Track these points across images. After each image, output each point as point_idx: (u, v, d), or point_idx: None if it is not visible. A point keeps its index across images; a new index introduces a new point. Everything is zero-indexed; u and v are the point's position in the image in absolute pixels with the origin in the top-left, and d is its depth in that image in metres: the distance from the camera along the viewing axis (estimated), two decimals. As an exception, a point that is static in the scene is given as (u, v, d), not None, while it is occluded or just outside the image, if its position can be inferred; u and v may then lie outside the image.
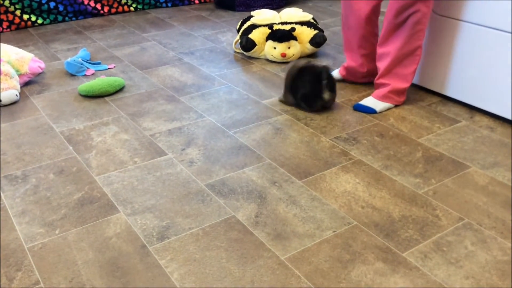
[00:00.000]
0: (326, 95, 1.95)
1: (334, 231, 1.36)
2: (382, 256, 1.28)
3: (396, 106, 2.06)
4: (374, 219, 1.41)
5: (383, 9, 3.09)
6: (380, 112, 2.01)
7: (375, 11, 2.06)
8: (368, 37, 2.11)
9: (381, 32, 1.99)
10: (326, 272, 1.23)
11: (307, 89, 1.96)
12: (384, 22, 1.97)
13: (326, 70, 1.94)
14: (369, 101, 2.03)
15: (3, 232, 1.36)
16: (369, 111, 2.01)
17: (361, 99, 2.13)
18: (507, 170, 1.63)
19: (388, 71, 2.01)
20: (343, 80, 2.29)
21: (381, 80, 2.04)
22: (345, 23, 2.14)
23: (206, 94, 2.19)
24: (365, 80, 2.26)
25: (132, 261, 1.26)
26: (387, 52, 1.99)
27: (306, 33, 2.54)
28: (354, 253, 1.29)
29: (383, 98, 2.03)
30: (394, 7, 1.89)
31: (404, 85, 2.01)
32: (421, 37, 1.91)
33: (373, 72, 2.21)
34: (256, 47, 2.52)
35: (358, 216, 1.42)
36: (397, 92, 2.02)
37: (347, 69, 2.24)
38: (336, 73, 2.30)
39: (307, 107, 2.01)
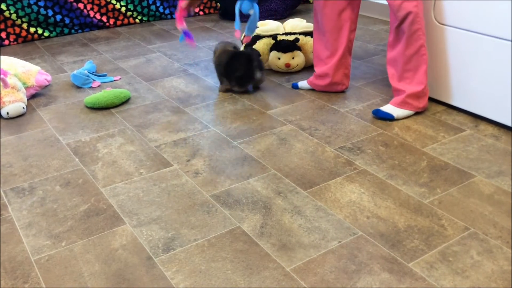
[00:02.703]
0: (258, 75, 2.25)
1: (340, 242, 1.36)
2: (388, 267, 1.27)
3: (417, 113, 2.06)
4: (380, 229, 1.41)
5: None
6: (399, 119, 2.02)
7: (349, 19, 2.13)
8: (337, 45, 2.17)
9: (389, 38, 2.04)
10: (332, 283, 1.23)
11: (241, 71, 2.23)
12: (390, 27, 2.01)
13: (256, 53, 2.29)
14: (388, 108, 2.04)
15: (10, 244, 1.37)
16: (387, 116, 2.01)
17: (365, 108, 2.13)
18: (513, 179, 1.63)
19: (400, 75, 2.03)
20: (312, 90, 2.33)
21: (397, 85, 2.05)
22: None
23: (211, 105, 2.20)
24: (328, 89, 2.29)
25: (138, 272, 1.27)
26: (395, 56, 2.02)
27: (310, 44, 2.55)
28: (359, 263, 1.29)
29: (401, 104, 2.03)
30: (390, 11, 1.95)
31: (419, 87, 2.00)
32: (420, 36, 1.93)
33: (336, 82, 2.25)
34: (260, 57, 2.53)
35: (363, 226, 1.42)
36: (415, 96, 2.01)
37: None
38: (305, 84, 2.34)
39: (240, 88, 2.27)
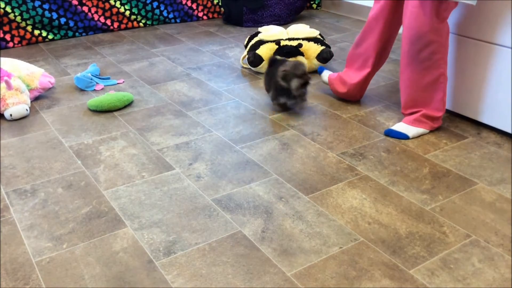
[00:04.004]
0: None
1: (341, 247, 1.36)
2: (389, 273, 1.27)
3: (430, 132, 1.97)
4: (381, 235, 1.41)
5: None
6: (413, 138, 1.93)
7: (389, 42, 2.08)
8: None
9: (400, 63, 1.94)
10: (332, 289, 1.22)
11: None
12: (401, 53, 1.91)
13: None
14: (401, 127, 1.96)
15: (12, 246, 1.38)
16: (401, 136, 1.92)
17: (367, 114, 2.13)
18: (515, 187, 1.63)
19: (414, 102, 1.94)
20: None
21: (410, 111, 1.96)
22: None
23: (213, 109, 2.21)
24: (343, 96, 2.27)
25: (139, 276, 1.27)
26: (408, 83, 1.92)
27: (313, 49, 2.56)
28: (360, 269, 1.28)
29: (414, 122, 1.94)
30: (407, 36, 1.85)
31: (436, 113, 1.93)
32: (441, 65, 1.85)
33: (351, 94, 2.23)
34: (264, 62, 2.54)
35: (365, 232, 1.42)
36: (430, 117, 1.94)
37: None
38: (326, 76, 2.33)
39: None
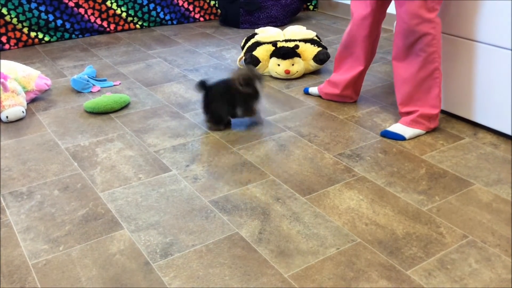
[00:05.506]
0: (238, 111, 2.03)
1: (338, 249, 1.36)
2: (386, 274, 1.27)
3: (427, 132, 1.97)
4: (378, 236, 1.41)
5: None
6: (410, 139, 1.93)
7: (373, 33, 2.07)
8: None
9: (393, 61, 1.94)
10: (330, 290, 1.22)
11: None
12: (394, 49, 1.92)
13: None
14: (397, 128, 1.96)
15: (8, 248, 1.37)
16: (398, 137, 1.92)
17: (364, 115, 2.14)
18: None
19: (410, 98, 1.94)
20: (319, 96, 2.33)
21: (406, 109, 1.96)
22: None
23: (210, 110, 2.20)
24: (338, 99, 2.27)
25: (136, 278, 1.26)
26: (404, 78, 1.92)
27: (309, 50, 2.56)
28: (357, 270, 1.28)
29: (411, 123, 1.94)
30: (400, 31, 1.86)
31: (433, 111, 1.92)
32: (436, 59, 1.85)
33: (346, 95, 2.23)
34: (260, 64, 2.54)
35: (362, 233, 1.42)
36: (427, 117, 1.94)
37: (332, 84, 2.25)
38: (315, 90, 2.33)
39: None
